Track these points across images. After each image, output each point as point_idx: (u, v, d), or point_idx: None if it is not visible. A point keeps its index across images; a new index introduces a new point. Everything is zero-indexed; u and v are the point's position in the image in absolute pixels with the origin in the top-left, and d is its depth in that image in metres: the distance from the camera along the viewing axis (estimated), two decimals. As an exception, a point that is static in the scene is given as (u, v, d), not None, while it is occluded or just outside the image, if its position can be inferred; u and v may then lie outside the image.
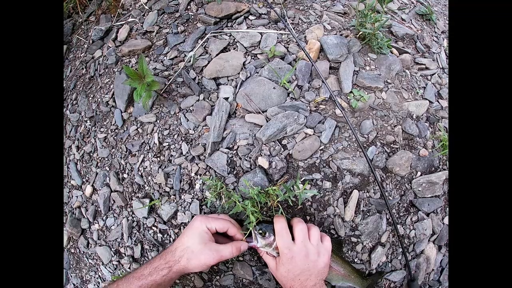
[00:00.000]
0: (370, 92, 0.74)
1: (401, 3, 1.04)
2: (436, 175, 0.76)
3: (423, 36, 0.94)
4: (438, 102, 0.85)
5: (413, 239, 0.74)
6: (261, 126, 0.67)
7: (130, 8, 1.01)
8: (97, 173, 0.81)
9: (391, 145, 0.72)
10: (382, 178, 0.69)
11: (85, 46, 1.00)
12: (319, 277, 0.53)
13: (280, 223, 0.54)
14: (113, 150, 0.81)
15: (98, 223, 0.79)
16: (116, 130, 0.82)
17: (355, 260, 0.67)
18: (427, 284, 0.81)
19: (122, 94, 0.81)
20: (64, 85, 0.95)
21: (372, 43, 0.78)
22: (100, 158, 0.82)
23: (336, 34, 0.80)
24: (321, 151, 0.66)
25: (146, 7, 0.96)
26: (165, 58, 0.83)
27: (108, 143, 0.82)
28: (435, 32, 1.03)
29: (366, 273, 0.68)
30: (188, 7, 0.92)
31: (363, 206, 0.67)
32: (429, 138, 0.79)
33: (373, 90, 0.74)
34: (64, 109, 0.93)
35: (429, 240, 0.77)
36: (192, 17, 0.89)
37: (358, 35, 0.79)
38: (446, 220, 0.80)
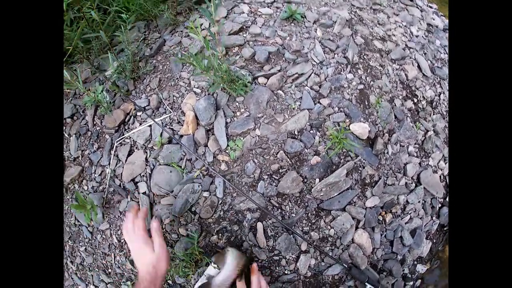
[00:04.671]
0: (245, 135, 1.05)
1: (265, 17, 1.30)
2: (335, 174, 1.03)
3: (290, 44, 1.20)
4: (320, 103, 1.11)
5: (336, 235, 1.02)
6: (172, 204, 1.03)
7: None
8: (92, 275, 1.26)
9: (279, 171, 1.02)
10: (279, 203, 1.00)
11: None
12: None
13: None
14: (95, 255, 1.24)
15: (107, 310, 1.23)
16: (90, 241, 1.25)
17: (285, 272, 0.99)
18: (381, 259, 1.08)
19: (81, 216, 1.24)
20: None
21: (233, 90, 1.08)
22: (89, 264, 1.26)
23: (205, 95, 1.12)
24: (221, 204, 1.00)
25: (66, 135, 1.38)
26: (95, 175, 1.24)
27: (89, 252, 1.26)
28: (306, 27, 1.28)
29: None
30: (94, 122, 1.32)
31: (270, 231, 0.99)
32: (318, 143, 1.06)
33: (247, 133, 1.05)
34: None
35: (357, 228, 1.05)
36: (100, 131, 1.28)
37: (221, 89, 1.10)
38: (368, 203, 1.06)
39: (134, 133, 1.17)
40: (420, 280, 1.19)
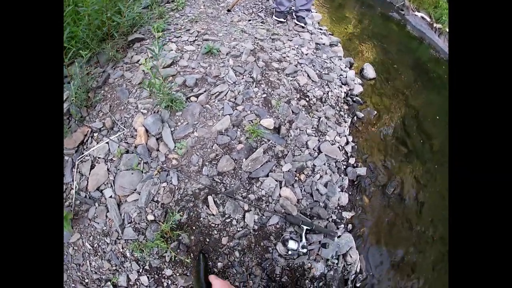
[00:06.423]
0: (187, 138, 1.48)
1: (190, 53, 1.81)
2: (256, 153, 1.54)
3: (210, 72, 1.72)
4: (237, 109, 1.64)
5: (267, 194, 1.50)
6: (137, 199, 1.37)
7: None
8: None
9: (216, 158, 1.48)
10: (220, 179, 1.45)
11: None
12: None
13: None
14: (69, 270, 1.41)
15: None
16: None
17: (238, 229, 1.41)
18: (307, 208, 1.58)
19: (46, 233, 1.43)
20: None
21: (174, 107, 1.52)
22: (63, 282, 1.43)
23: (151, 114, 1.52)
24: (178, 189, 1.39)
25: None
26: (58, 193, 1.47)
27: (57, 268, 1.44)
28: (221, 58, 1.83)
29: None
30: (51, 147, 1.56)
31: (219, 201, 1.42)
32: (240, 135, 1.57)
33: (188, 136, 1.49)
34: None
35: (280, 187, 1.55)
36: (58, 154, 1.53)
37: (164, 108, 1.53)
38: (284, 169, 1.59)
39: (93, 150, 1.47)
40: (351, 225, 1.70)
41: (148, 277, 1.35)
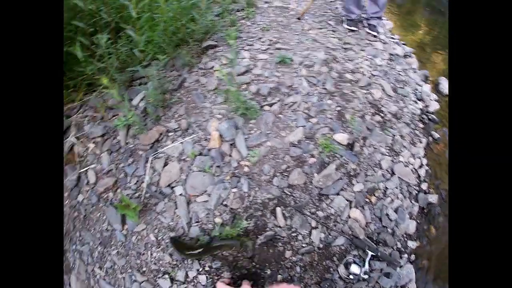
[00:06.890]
0: (260, 146, 1.48)
1: (263, 62, 1.83)
2: (328, 169, 1.49)
3: (283, 81, 1.72)
4: (310, 121, 1.61)
5: (336, 213, 1.44)
6: (207, 201, 1.39)
7: (84, 154, 1.73)
8: (124, 277, 1.48)
9: (287, 170, 1.45)
10: (290, 192, 1.42)
11: (66, 194, 1.69)
12: None
13: None
14: (128, 257, 1.48)
15: (141, 309, 1.44)
16: (123, 244, 1.50)
17: (302, 245, 1.36)
18: (374, 232, 1.48)
19: (116, 220, 1.51)
20: (64, 227, 1.63)
21: (248, 115, 1.53)
22: (121, 266, 1.49)
23: (226, 119, 1.55)
24: (247, 196, 1.39)
25: (97, 152, 1.69)
26: (130, 184, 1.55)
27: (121, 254, 1.49)
28: (294, 68, 1.82)
29: None
30: (127, 141, 1.66)
31: (287, 214, 1.38)
32: (312, 149, 1.53)
33: (261, 145, 1.49)
34: (74, 246, 1.60)
35: (350, 207, 1.48)
36: (133, 148, 1.62)
37: (239, 115, 1.55)
38: (355, 188, 1.51)
39: (168, 148, 1.53)
40: (414, 255, 1.56)
41: (206, 277, 1.35)
